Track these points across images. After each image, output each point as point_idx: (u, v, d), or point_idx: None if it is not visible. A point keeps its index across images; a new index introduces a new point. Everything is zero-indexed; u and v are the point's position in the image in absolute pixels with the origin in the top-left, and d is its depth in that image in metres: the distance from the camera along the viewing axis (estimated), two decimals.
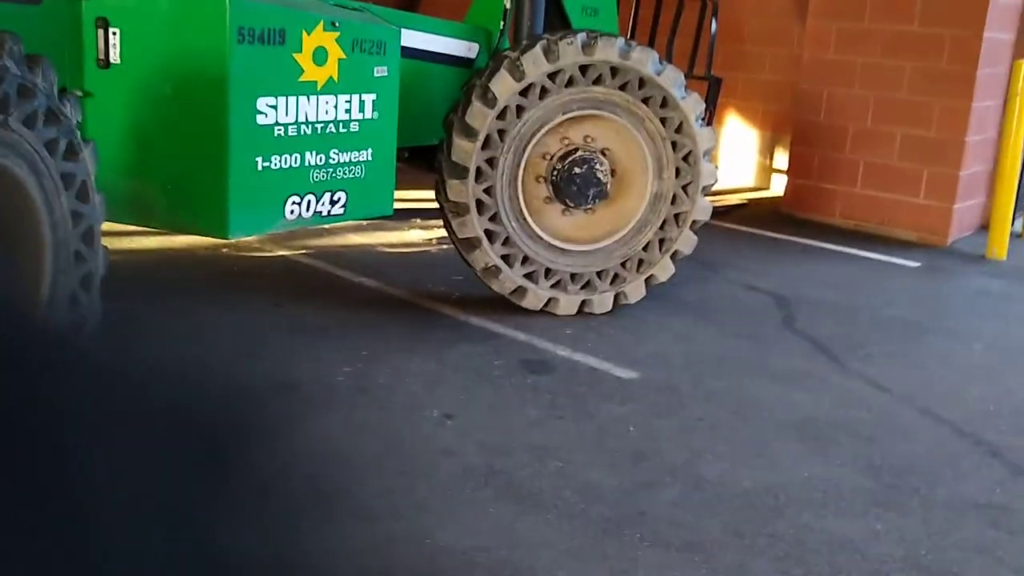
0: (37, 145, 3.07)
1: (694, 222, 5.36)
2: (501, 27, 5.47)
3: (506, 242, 5.11)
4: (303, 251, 6.09)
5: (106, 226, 3.70)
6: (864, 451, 3.93)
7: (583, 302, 5.27)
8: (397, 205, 5.08)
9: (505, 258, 5.12)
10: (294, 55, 4.17)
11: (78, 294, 3.34)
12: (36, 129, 3.05)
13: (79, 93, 3.70)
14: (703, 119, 5.33)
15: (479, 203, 5.02)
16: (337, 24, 4.32)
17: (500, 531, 3.15)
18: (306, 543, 2.90)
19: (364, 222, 6.32)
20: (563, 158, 5.19)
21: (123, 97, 4.04)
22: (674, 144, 5.25)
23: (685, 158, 5.28)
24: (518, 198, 5.11)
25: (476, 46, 5.38)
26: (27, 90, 2.97)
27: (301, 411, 3.85)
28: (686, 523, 3.30)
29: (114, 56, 3.99)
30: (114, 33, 3.98)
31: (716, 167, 5.46)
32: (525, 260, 5.16)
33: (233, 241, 5.94)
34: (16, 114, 2.95)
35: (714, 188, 5.49)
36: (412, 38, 4.88)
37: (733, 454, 3.84)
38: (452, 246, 5.39)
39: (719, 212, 6.28)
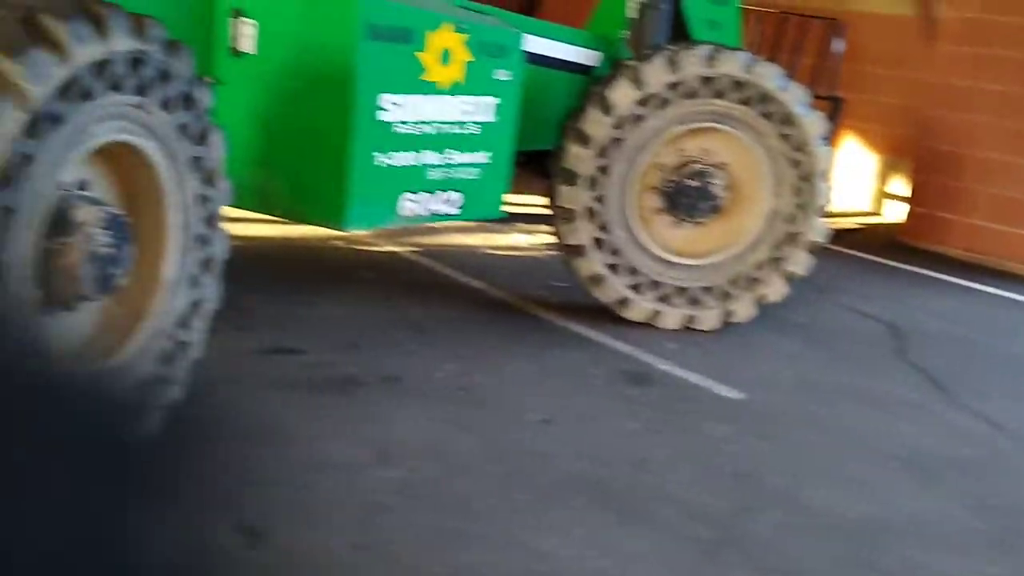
0: (171, 128, 3.16)
1: (810, 243, 5.24)
2: (623, 36, 5.45)
3: (613, 251, 5.07)
4: (411, 248, 6.16)
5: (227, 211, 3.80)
6: (975, 489, 3.78)
7: (689, 317, 5.20)
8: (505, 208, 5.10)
9: (611, 267, 5.08)
10: (419, 54, 4.21)
11: (199, 276, 3.43)
12: (172, 113, 3.14)
13: (211, 80, 3.80)
14: (826, 139, 5.22)
15: (589, 210, 5.00)
16: (463, 26, 4.36)
17: (596, 541, 3.12)
18: (399, 533, 2.93)
19: (470, 223, 6.36)
20: (678, 170, 5.14)
21: (252, 86, 4.14)
22: (793, 162, 5.15)
23: (804, 177, 5.17)
24: (629, 207, 5.07)
25: (596, 54, 5.37)
26: (166, 74, 3.07)
27: (401, 403, 3.89)
28: (787, 550, 3.22)
29: (246, 45, 4.09)
30: (247, 23, 4.08)
31: (831, 188, 5.33)
32: (631, 271, 5.11)
33: (345, 234, 6.05)
34: (154, 97, 3.05)
35: (826, 210, 5.36)
36: (534, 43, 4.89)
37: (838, 483, 3.74)
38: (557, 252, 5.39)
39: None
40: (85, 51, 2.71)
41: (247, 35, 4.08)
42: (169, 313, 3.32)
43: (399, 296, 5.21)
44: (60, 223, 2.82)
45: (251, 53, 4.10)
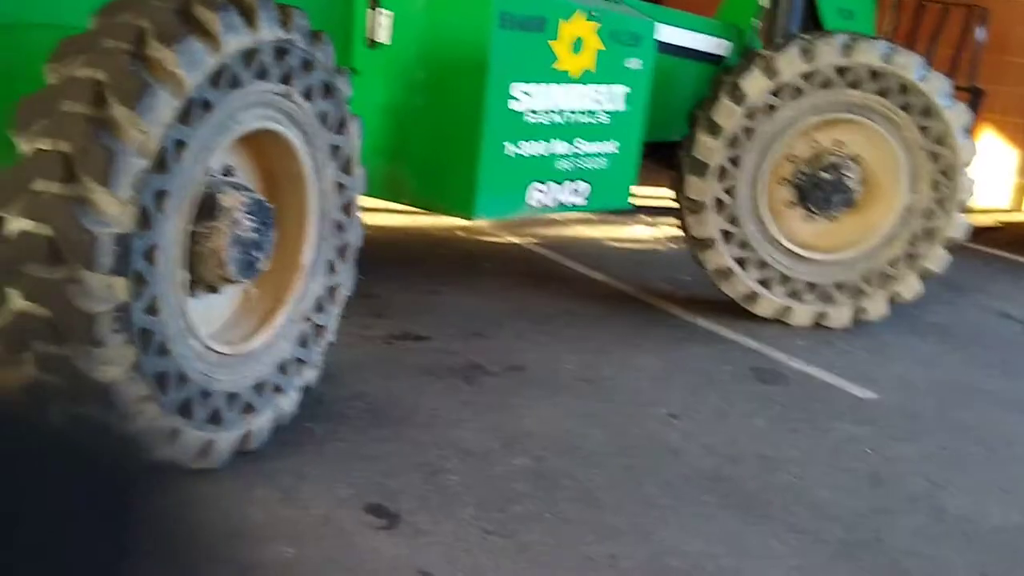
0: (312, 116, 3.23)
1: (948, 240, 5.04)
2: (755, 25, 5.34)
3: (742, 244, 4.97)
4: (533, 239, 6.16)
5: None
6: None
7: (819, 314, 5.06)
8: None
9: (740, 261, 4.98)
10: (551, 43, 4.20)
11: (335, 262, 3.49)
12: (313, 101, 3.21)
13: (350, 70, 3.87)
14: (968, 131, 5.00)
15: (718, 202, 4.91)
16: (596, 14, 4.33)
17: (726, 539, 3.06)
18: (529, 521, 2.94)
19: (592, 214, 6.33)
20: (811, 162, 5.01)
21: (386, 75, 4.19)
22: (932, 155, 4.95)
23: (944, 171, 4.97)
24: (759, 200, 4.96)
25: (727, 43, 5.27)
26: (309, 64, 3.13)
27: (527, 393, 3.89)
28: (926, 555, 3.10)
29: (382, 36, 4.15)
30: (384, 14, 4.13)
31: (973, 182, 5.11)
32: (760, 264, 5.00)
33: (468, 224, 6.10)
34: (297, 86, 3.11)
35: (966, 206, 5.14)
36: (664, 32, 4.83)
37: (979, 488, 3.58)
38: (681, 244, 5.30)
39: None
40: (235, 40, 2.78)
41: (383, 26, 4.13)
42: (306, 297, 3.39)
43: (521, 287, 5.22)
44: (207, 207, 2.90)
45: (386, 43, 4.16)
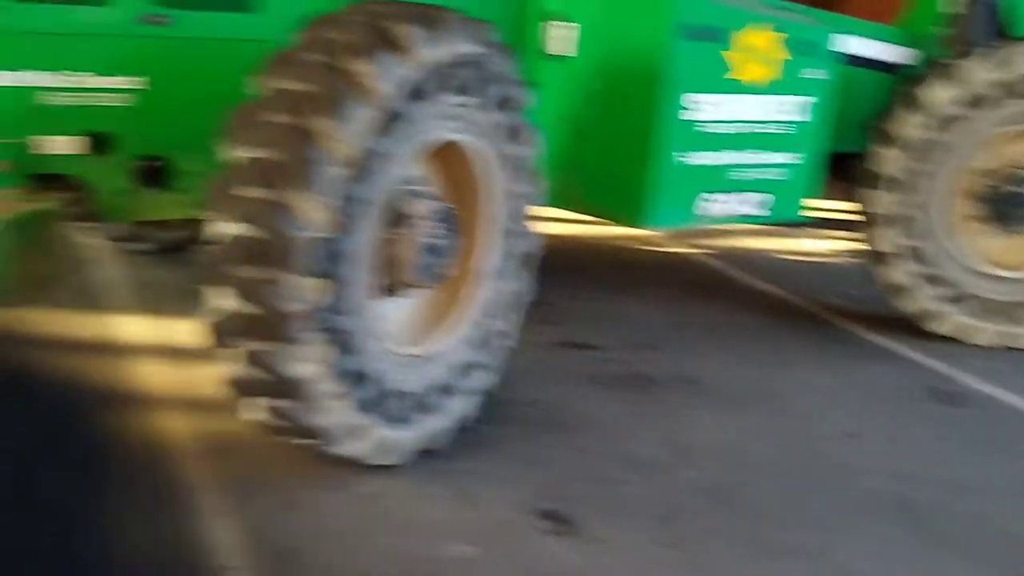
0: (495, 127, 3.31)
1: None
2: (941, 34, 5.14)
3: (922, 260, 4.79)
4: (702, 250, 6.11)
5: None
6: None
7: (1003, 334, 4.83)
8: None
9: (919, 277, 4.80)
10: (729, 53, 4.17)
11: (513, 269, 3.56)
12: (496, 113, 3.29)
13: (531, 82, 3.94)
14: None
15: (898, 216, 4.75)
16: (776, 24, 4.26)
17: (907, 564, 2.96)
18: (703, 535, 2.93)
19: (761, 225, 6.22)
20: (998, 175, 4.78)
21: (563, 86, 4.25)
22: None
23: None
24: (941, 214, 4.77)
25: (911, 52, 5.09)
26: (494, 76, 3.21)
27: (699, 405, 3.87)
28: None
29: (556, 48, 4.21)
30: (559, 26, 4.19)
31: None
32: (941, 281, 4.81)
33: (638, 233, 6.10)
34: (482, 98, 3.20)
35: None
36: (845, 41, 4.71)
37: None
38: (858, 258, 5.15)
39: None
40: (428, 54, 2.88)
41: (558, 38, 4.19)
42: (486, 303, 3.48)
43: (692, 298, 5.19)
44: (396, 214, 3.02)
45: (560, 54, 4.22)
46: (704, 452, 3.49)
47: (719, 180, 4.33)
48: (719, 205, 4.38)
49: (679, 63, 4.04)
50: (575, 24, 4.13)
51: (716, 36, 4.13)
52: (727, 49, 4.20)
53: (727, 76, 4.23)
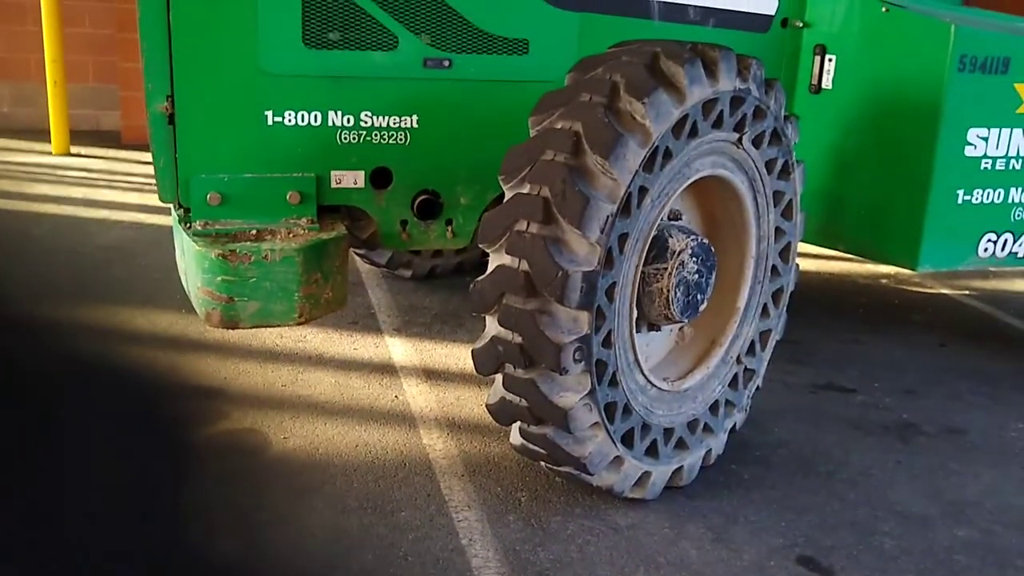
0: (759, 163, 3.28)
1: None
2: None
3: None
4: (965, 291, 5.76)
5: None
6: None
7: None
8: None
9: None
10: (1016, 85, 3.93)
11: (768, 306, 3.51)
12: (761, 148, 3.25)
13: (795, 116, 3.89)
14: None
15: None
16: None
17: None
18: None
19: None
20: None
21: (828, 121, 4.15)
22: None
23: None
24: None
25: None
26: (761, 112, 3.18)
27: (969, 459, 3.64)
28: None
29: (826, 81, 4.12)
30: (830, 59, 4.10)
31: None
32: None
33: (893, 271, 5.83)
34: (749, 134, 3.18)
35: None
36: None
37: None
38: None
39: None
40: (698, 92, 2.90)
41: (829, 71, 4.10)
42: (739, 340, 3.44)
43: (955, 342, 4.89)
44: (658, 249, 3.05)
45: (829, 88, 4.12)
46: (979, 510, 3.28)
47: (1001, 219, 4.09)
48: (999, 245, 4.13)
49: (960, 96, 3.85)
50: (834, 56, 4.03)
51: (1002, 67, 3.91)
52: (1018, 81, 3.96)
53: (1016, 110, 3.99)
